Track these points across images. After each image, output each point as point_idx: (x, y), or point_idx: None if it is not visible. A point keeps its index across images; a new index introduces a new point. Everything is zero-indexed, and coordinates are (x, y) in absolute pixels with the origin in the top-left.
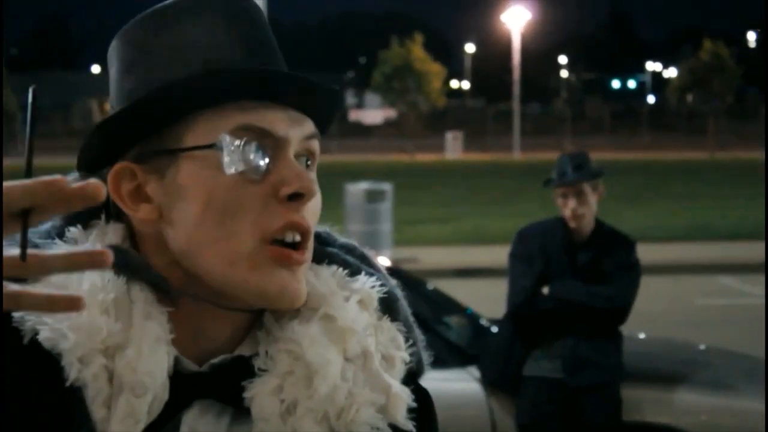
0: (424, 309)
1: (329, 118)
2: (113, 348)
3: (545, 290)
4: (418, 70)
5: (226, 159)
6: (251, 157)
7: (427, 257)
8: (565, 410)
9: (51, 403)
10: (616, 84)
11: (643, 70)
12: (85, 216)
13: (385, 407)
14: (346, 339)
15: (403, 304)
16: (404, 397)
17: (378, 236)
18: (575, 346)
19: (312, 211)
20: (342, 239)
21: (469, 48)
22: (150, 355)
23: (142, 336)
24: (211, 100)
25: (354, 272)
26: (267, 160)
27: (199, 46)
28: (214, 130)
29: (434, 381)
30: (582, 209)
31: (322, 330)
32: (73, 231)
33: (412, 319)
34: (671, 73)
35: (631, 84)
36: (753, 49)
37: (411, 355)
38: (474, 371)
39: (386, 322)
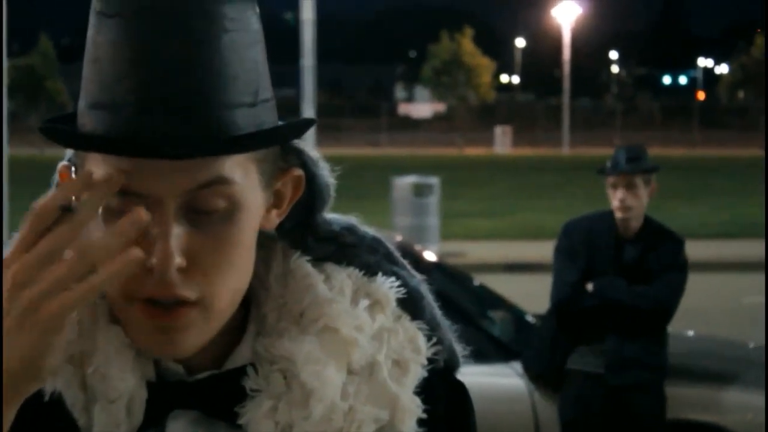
0: (468, 304)
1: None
2: (79, 355)
3: (589, 286)
4: (468, 64)
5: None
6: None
7: (475, 252)
8: (609, 407)
9: (37, 415)
10: (667, 80)
11: (694, 66)
12: None
13: (391, 422)
14: (349, 352)
15: (428, 302)
16: (413, 408)
17: (425, 230)
18: (619, 344)
19: (207, 270)
20: (369, 235)
21: (519, 42)
22: (118, 357)
23: (106, 340)
24: (74, 147)
25: (373, 273)
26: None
27: (99, 68)
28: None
29: (478, 376)
30: (631, 201)
31: (320, 344)
32: None
33: (439, 315)
34: (723, 69)
35: (683, 80)
36: None
37: (436, 353)
38: (517, 366)
39: (405, 322)
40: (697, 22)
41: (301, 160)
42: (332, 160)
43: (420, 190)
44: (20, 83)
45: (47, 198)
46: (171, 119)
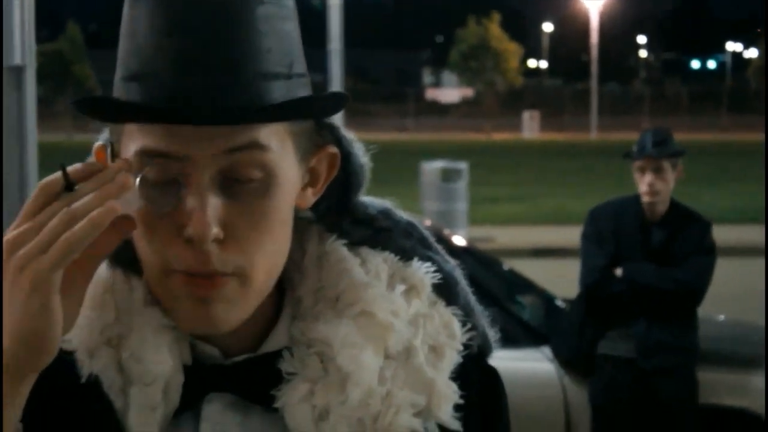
0: (498, 288)
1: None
2: (116, 338)
3: (617, 271)
4: (495, 48)
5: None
6: (146, 191)
7: (503, 237)
8: (640, 392)
9: (74, 397)
10: (695, 64)
11: (723, 50)
12: None
13: (428, 407)
14: (385, 336)
15: (463, 287)
16: (449, 393)
17: (453, 215)
18: (648, 328)
19: (244, 243)
20: (404, 219)
21: (547, 27)
22: (154, 340)
23: (143, 323)
24: (110, 120)
25: (409, 258)
26: (164, 190)
27: (134, 41)
28: (127, 152)
29: (508, 360)
30: (659, 185)
31: (356, 328)
32: None
33: (473, 301)
34: (752, 53)
35: (711, 64)
36: None
37: (470, 339)
38: (547, 351)
39: (440, 307)
40: (725, 6)
41: (336, 137)
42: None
43: (448, 175)
44: (48, 69)
45: (53, 176)
46: (206, 87)
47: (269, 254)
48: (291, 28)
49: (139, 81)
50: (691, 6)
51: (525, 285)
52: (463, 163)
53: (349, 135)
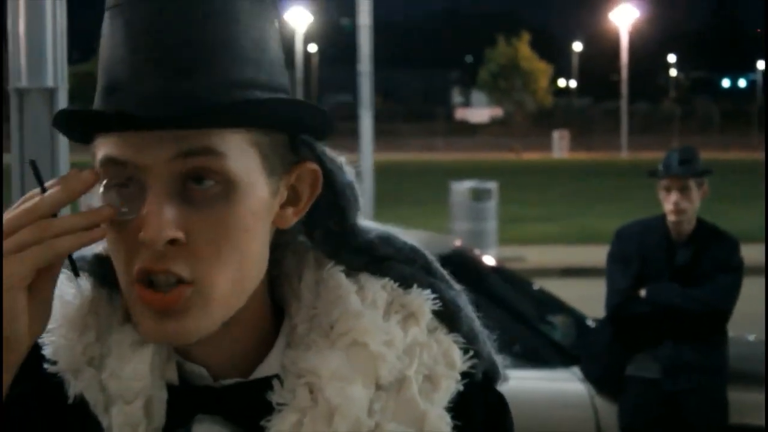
0: (528, 308)
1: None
2: (98, 358)
3: (641, 292)
4: (525, 68)
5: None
6: (111, 199)
7: (533, 256)
8: (668, 413)
9: (64, 416)
10: (726, 83)
11: (754, 68)
12: None
13: None
14: (376, 367)
15: (466, 314)
16: (441, 426)
17: (483, 235)
18: (674, 349)
19: (202, 249)
20: (407, 245)
21: (577, 46)
22: (132, 358)
23: (120, 341)
24: (80, 137)
25: (409, 285)
26: (128, 198)
27: (103, 57)
28: (97, 161)
29: (539, 381)
30: (684, 204)
31: (347, 359)
32: None
33: (478, 327)
34: None
35: (742, 83)
36: None
37: (473, 366)
38: (578, 371)
39: (440, 335)
40: (756, 24)
41: (315, 154)
42: (390, 165)
43: (478, 195)
44: (80, 90)
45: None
46: (159, 94)
47: (231, 264)
48: (259, 36)
49: (106, 94)
50: (722, 25)
51: (555, 305)
52: (493, 183)
53: (332, 153)
